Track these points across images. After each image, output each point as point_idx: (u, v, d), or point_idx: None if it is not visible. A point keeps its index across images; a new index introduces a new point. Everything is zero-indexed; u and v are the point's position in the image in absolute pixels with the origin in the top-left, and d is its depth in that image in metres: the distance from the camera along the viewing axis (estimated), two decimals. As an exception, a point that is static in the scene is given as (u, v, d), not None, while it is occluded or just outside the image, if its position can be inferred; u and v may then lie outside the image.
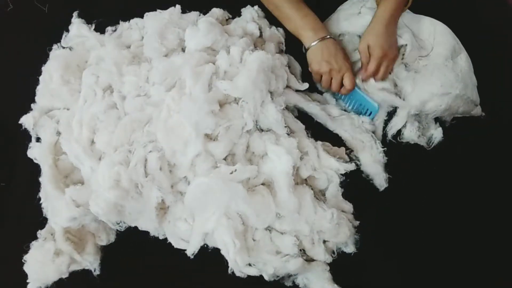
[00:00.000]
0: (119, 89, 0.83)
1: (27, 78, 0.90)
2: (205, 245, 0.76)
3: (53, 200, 0.76)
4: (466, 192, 0.87)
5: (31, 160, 0.83)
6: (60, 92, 0.85)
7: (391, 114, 0.91)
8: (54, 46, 0.92)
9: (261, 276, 0.75)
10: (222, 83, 0.78)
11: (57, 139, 0.82)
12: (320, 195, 0.81)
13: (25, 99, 0.88)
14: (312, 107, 0.88)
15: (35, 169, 0.81)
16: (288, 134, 0.81)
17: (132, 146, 0.77)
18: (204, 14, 0.93)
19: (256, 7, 0.96)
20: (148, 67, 0.84)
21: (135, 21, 0.94)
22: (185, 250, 0.76)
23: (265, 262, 0.73)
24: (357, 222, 0.81)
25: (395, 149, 0.89)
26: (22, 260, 0.73)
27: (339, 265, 0.78)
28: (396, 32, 0.89)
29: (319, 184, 0.81)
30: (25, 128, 0.86)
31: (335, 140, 0.89)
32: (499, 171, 0.90)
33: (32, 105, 0.88)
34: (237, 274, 0.73)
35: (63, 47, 0.93)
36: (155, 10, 0.92)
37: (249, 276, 0.74)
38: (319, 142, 0.84)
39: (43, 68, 0.89)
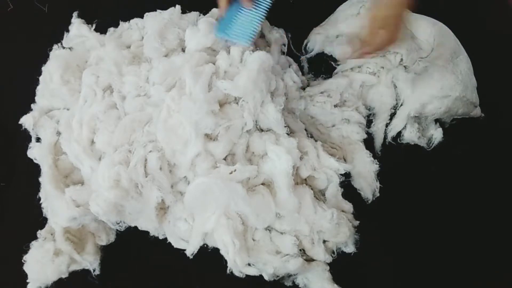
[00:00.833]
0: (119, 89, 0.83)
1: (27, 78, 0.90)
2: (205, 245, 0.76)
3: (53, 200, 0.76)
4: (466, 192, 0.87)
5: (31, 160, 0.83)
6: (60, 92, 0.85)
7: (391, 116, 0.91)
8: (54, 46, 0.91)
9: (261, 276, 0.75)
10: (222, 82, 0.78)
11: (57, 139, 0.83)
12: (320, 195, 0.82)
13: (25, 99, 0.88)
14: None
15: (35, 169, 0.81)
16: (288, 134, 0.81)
17: (132, 146, 0.77)
18: (204, 14, 0.93)
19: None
20: (148, 67, 0.84)
21: (135, 21, 0.94)
22: (185, 250, 0.76)
23: (265, 262, 0.73)
24: (357, 222, 0.81)
25: (395, 149, 0.89)
26: (22, 260, 0.73)
27: (339, 265, 0.78)
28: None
29: (318, 184, 0.81)
30: (25, 128, 0.86)
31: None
32: (499, 172, 0.90)
33: (32, 105, 0.88)
34: (236, 274, 0.73)
35: (63, 47, 0.93)
36: (155, 10, 0.92)
37: (249, 276, 0.74)
38: (319, 142, 0.84)
39: (43, 68, 0.89)
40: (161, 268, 0.79)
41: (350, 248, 0.78)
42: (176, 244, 0.77)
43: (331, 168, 0.81)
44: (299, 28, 0.97)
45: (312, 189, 0.79)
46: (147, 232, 0.79)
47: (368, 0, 0.94)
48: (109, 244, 0.79)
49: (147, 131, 0.77)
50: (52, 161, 0.80)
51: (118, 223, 0.76)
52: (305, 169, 0.79)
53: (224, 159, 0.77)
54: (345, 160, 0.87)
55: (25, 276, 0.73)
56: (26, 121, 0.86)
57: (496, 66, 0.99)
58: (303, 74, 0.95)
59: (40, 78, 0.89)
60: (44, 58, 0.90)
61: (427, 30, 0.91)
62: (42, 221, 0.78)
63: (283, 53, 0.95)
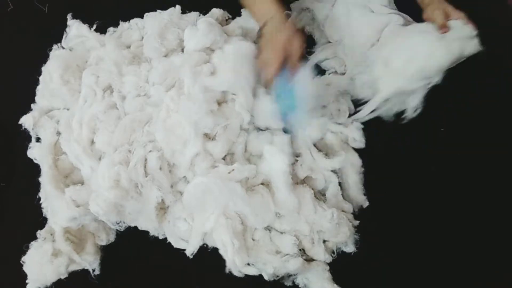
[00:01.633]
0: (119, 89, 0.83)
1: (27, 78, 0.90)
2: (205, 245, 0.76)
3: (53, 200, 0.76)
4: (466, 192, 0.87)
5: (31, 160, 0.83)
6: (60, 92, 0.86)
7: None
8: (54, 46, 0.92)
9: (260, 276, 0.75)
10: (207, 79, 0.78)
11: (57, 139, 0.83)
12: (320, 195, 0.81)
13: (25, 99, 0.89)
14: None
15: (35, 169, 0.81)
16: (285, 132, 0.80)
17: (132, 146, 0.77)
18: (204, 14, 0.93)
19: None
20: (148, 67, 0.84)
21: (135, 21, 0.95)
22: (185, 250, 0.76)
23: (264, 262, 0.73)
24: (357, 222, 0.80)
25: (393, 148, 0.89)
26: (21, 261, 0.73)
27: (339, 265, 0.78)
28: None
29: (316, 185, 0.81)
30: (25, 128, 0.86)
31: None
32: (499, 171, 0.90)
33: (32, 105, 0.88)
34: (236, 274, 0.73)
35: (63, 48, 0.93)
36: (155, 10, 0.92)
37: (248, 276, 0.74)
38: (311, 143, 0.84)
39: (43, 68, 0.89)
40: (161, 268, 0.79)
41: (350, 248, 0.78)
42: (176, 244, 0.78)
43: (327, 168, 0.81)
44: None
45: (312, 189, 0.79)
46: (147, 232, 0.79)
47: None
48: (109, 244, 0.79)
49: (147, 131, 0.78)
50: (52, 161, 0.80)
51: (118, 223, 0.76)
52: (301, 170, 0.80)
53: (223, 158, 0.77)
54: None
55: (25, 276, 0.73)
56: (26, 121, 0.86)
57: (495, 66, 0.99)
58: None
59: (40, 78, 0.89)
60: (44, 58, 0.90)
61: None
62: (42, 221, 0.78)
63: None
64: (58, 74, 0.85)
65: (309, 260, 0.77)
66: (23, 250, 0.75)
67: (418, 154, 0.90)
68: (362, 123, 0.88)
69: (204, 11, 0.94)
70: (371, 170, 0.85)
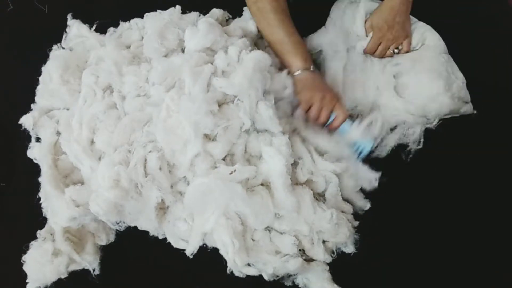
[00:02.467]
0: (119, 89, 0.83)
1: (27, 78, 0.90)
2: (205, 245, 0.76)
3: (53, 200, 0.76)
4: (466, 193, 0.87)
5: (31, 160, 0.83)
6: (60, 92, 0.85)
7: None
8: (54, 46, 0.92)
9: (260, 276, 0.75)
10: (218, 80, 0.78)
11: (57, 139, 0.83)
12: (319, 196, 0.81)
13: (25, 99, 0.88)
14: None
15: (35, 169, 0.81)
16: (283, 133, 0.80)
17: (132, 146, 0.77)
18: (204, 14, 0.93)
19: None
20: (148, 67, 0.84)
21: (135, 21, 0.94)
22: (185, 250, 0.76)
23: (264, 262, 0.73)
24: (357, 222, 0.80)
25: (395, 150, 0.89)
26: (21, 260, 0.74)
27: (339, 265, 0.78)
28: (409, 22, 0.93)
29: (317, 187, 0.80)
30: (25, 128, 0.86)
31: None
32: (499, 171, 0.90)
33: (32, 105, 0.88)
34: (236, 274, 0.74)
35: (63, 48, 0.93)
36: (155, 10, 0.92)
37: (248, 276, 0.74)
38: (311, 146, 0.83)
39: (43, 68, 0.89)
40: (161, 268, 0.79)
41: (349, 248, 0.78)
42: (176, 244, 0.78)
43: (328, 171, 0.80)
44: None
45: (311, 190, 0.79)
46: (147, 232, 0.79)
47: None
48: (109, 244, 0.79)
49: (147, 131, 0.77)
50: (52, 161, 0.80)
51: (118, 223, 0.76)
52: (302, 174, 0.79)
53: (224, 159, 0.77)
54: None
55: (25, 276, 0.73)
56: (26, 121, 0.86)
57: (497, 66, 0.99)
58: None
59: (40, 78, 0.89)
60: (44, 58, 0.90)
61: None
62: (42, 221, 0.78)
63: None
64: (57, 74, 0.85)
65: (309, 260, 0.77)
66: (23, 249, 0.75)
67: (418, 154, 0.90)
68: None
69: (204, 11, 0.94)
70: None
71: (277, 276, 0.75)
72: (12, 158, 0.87)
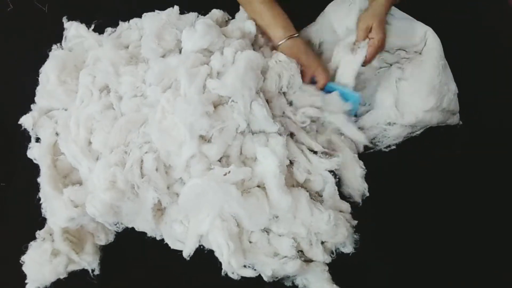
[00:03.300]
0: (116, 89, 0.83)
1: (27, 78, 0.90)
2: (201, 246, 0.76)
3: (52, 200, 0.76)
4: (466, 193, 0.87)
5: (31, 160, 0.83)
6: (57, 93, 0.86)
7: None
8: (54, 47, 0.92)
9: (259, 276, 0.75)
10: (211, 81, 0.77)
11: (56, 139, 0.83)
12: (317, 196, 0.81)
13: (25, 99, 0.89)
14: None
15: (35, 169, 0.82)
16: (280, 134, 0.79)
17: (128, 147, 0.77)
18: (203, 15, 0.93)
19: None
20: (145, 68, 0.83)
21: (134, 21, 0.94)
22: (182, 251, 0.76)
23: (263, 264, 0.73)
24: (355, 222, 0.80)
25: (393, 149, 0.89)
26: (20, 261, 0.74)
27: (338, 265, 0.77)
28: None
29: (315, 186, 0.80)
30: (25, 128, 0.86)
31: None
32: (498, 171, 0.90)
33: (31, 105, 0.88)
34: (231, 276, 0.73)
35: (62, 48, 0.93)
36: (154, 11, 0.92)
37: (247, 277, 0.74)
38: (304, 146, 0.83)
39: (41, 69, 0.89)
40: (160, 268, 0.79)
41: (348, 249, 0.78)
42: (173, 245, 0.78)
43: (325, 169, 0.80)
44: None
45: (308, 191, 0.79)
46: (145, 233, 0.79)
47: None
48: (108, 244, 0.80)
49: (143, 132, 0.77)
50: (51, 161, 0.80)
51: (115, 224, 0.76)
52: (299, 174, 0.79)
53: (219, 161, 0.77)
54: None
55: (24, 276, 0.73)
56: (25, 121, 0.86)
57: (497, 66, 0.99)
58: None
59: (39, 78, 0.89)
60: (44, 58, 0.90)
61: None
62: (41, 221, 0.79)
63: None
64: (55, 74, 0.86)
65: (308, 261, 0.77)
66: (23, 250, 0.75)
67: (418, 154, 0.90)
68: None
69: (203, 12, 0.93)
70: (371, 170, 0.85)
71: (276, 278, 0.75)
72: (12, 158, 0.87)
